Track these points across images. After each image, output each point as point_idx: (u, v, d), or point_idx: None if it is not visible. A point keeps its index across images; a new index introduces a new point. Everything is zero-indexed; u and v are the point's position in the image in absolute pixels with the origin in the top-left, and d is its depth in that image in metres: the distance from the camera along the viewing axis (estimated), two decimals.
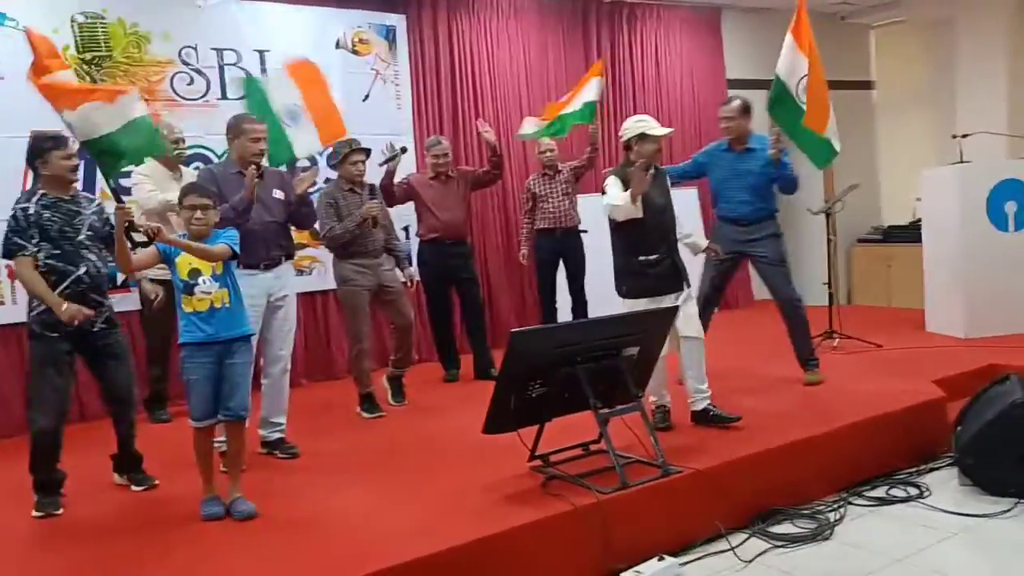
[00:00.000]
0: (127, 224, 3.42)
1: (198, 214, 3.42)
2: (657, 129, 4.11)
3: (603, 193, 4.10)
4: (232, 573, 2.84)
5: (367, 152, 5.07)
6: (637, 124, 4.14)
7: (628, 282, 4.17)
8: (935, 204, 6.41)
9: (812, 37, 4.73)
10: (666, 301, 4.08)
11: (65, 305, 3.48)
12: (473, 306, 5.94)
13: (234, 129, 4.15)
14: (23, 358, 5.13)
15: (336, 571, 2.74)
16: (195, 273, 3.40)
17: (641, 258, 4.09)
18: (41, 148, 3.60)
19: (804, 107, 4.72)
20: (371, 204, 4.91)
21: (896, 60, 9.45)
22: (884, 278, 8.65)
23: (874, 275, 8.78)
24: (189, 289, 3.40)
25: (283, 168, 4.53)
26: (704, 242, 4.61)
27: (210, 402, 3.43)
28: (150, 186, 4.86)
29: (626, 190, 3.98)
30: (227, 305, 3.43)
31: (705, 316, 4.99)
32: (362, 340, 5.00)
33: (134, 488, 3.82)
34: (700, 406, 4.21)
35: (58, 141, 3.62)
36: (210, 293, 3.40)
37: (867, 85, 9.53)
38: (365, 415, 4.97)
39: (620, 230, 4.14)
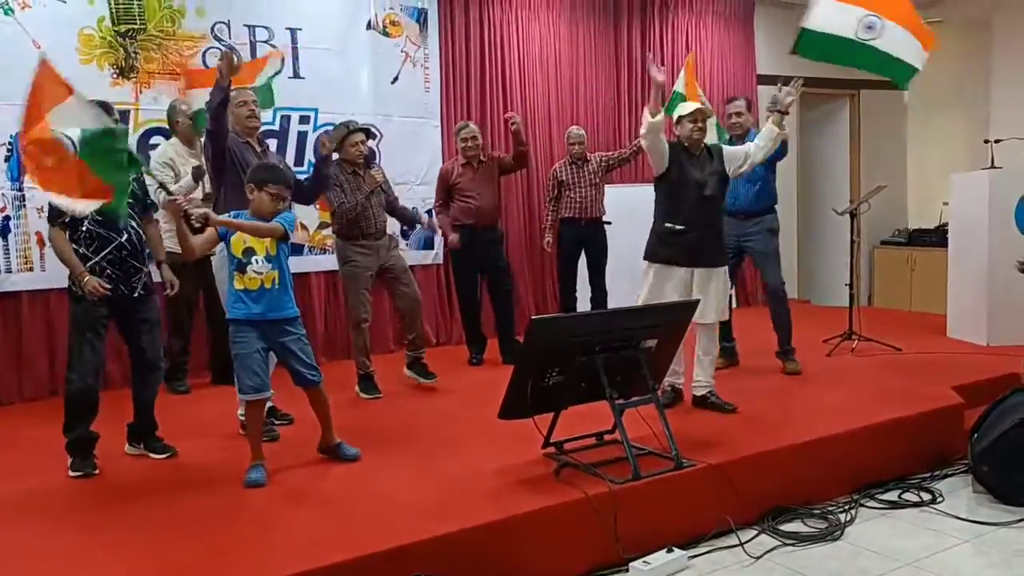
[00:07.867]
0: (182, 214, 3.46)
1: (281, 205, 3.53)
2: (686, 108, 4.30)
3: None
4: (248, 543, 2.88)
5: (367, 132, 5.06)
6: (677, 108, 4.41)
7: (651, 245, 4.33)
8: (963, 208, 6.34)
9: None
10: (677, 272, 4.22)
11: (87, 277, 3.56)
12: (505, 296, 5.89)
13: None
14: (50, 323, 5.22)
15: (353, 545, 2.78)
16: (249, 252, 3.47)
17: (667, 224, 4.24)
18: None
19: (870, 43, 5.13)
20: (375, 170, 4.94)
21: (930, 60, 9.31)
22: (906, 281, 8.59)
23: (896, 278, 8.72)
24: (241, 267, 3.48)
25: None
26: None
27: (257, 376, 3.50)
28: (171, 173, 5.05)
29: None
30: (276, 286, 3.50)
31: None
32: (360, 321, 4.98)
33: (153, 456, 3.89)
34: (701, 392, 4.41)
35: (110, 111, 3.65)
36: (262, 273, 3.48)
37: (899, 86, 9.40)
38: (363, 395, 4.99)
39: (657, 193, 4.33)
